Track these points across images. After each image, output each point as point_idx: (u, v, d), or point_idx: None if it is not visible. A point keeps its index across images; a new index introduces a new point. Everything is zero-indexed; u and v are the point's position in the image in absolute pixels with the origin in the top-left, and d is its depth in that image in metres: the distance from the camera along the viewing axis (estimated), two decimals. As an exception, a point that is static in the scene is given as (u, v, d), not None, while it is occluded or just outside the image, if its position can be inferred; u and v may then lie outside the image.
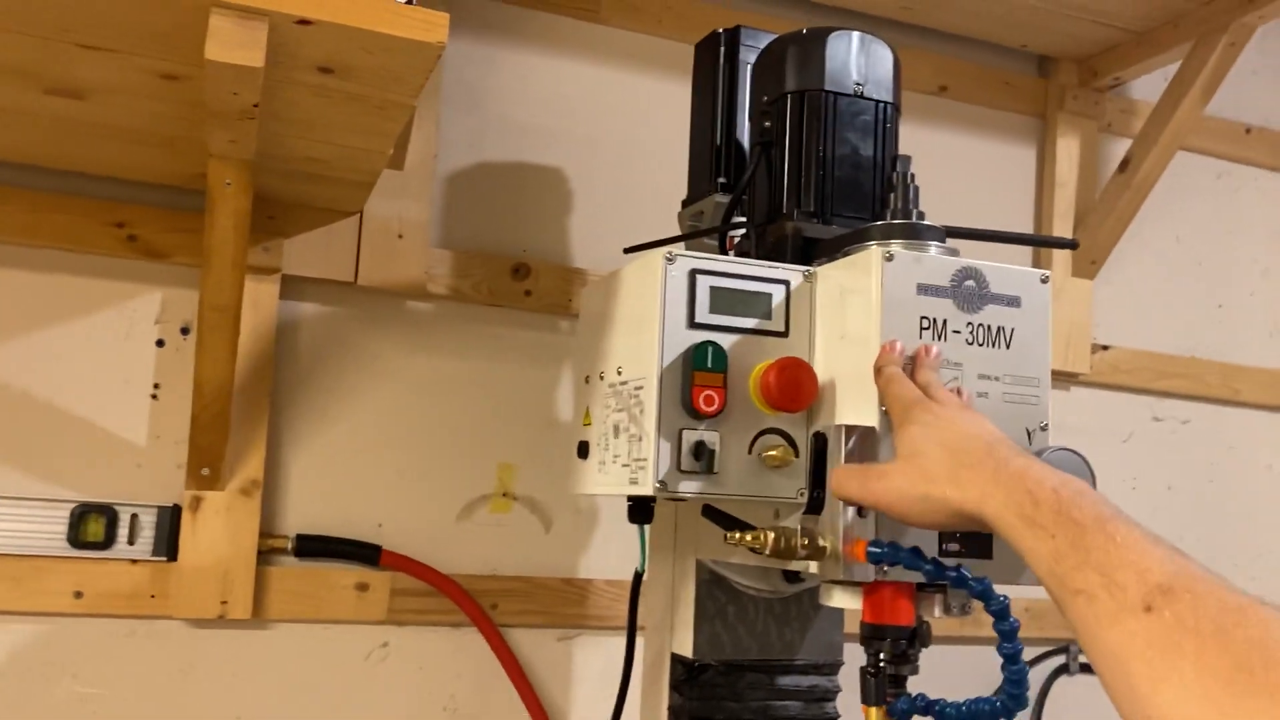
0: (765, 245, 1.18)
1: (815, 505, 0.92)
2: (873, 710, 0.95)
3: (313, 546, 1.51)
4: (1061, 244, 1.21)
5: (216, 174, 1.19)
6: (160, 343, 1.49)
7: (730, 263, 1.04)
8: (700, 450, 0.99)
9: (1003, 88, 1.97)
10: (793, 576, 1.21)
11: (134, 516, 1.44)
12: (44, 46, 1.04)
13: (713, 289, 1.02)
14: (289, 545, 1.50)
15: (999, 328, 0.99)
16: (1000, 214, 1.97)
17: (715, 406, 0.99)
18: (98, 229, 1.44)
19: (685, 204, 1.40)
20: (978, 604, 0.91)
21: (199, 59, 0.95)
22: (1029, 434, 0.99)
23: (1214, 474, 2.09)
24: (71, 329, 1.45)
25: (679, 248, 1.06)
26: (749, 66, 1.31)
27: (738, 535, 0.95)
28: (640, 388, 1.02)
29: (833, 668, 1.28)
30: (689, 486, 0.99)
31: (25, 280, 1.43)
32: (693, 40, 1.44)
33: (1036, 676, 1.91)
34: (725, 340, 1.02)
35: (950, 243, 1.06)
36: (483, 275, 1.61)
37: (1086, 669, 1.93)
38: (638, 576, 1.19)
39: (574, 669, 1.64)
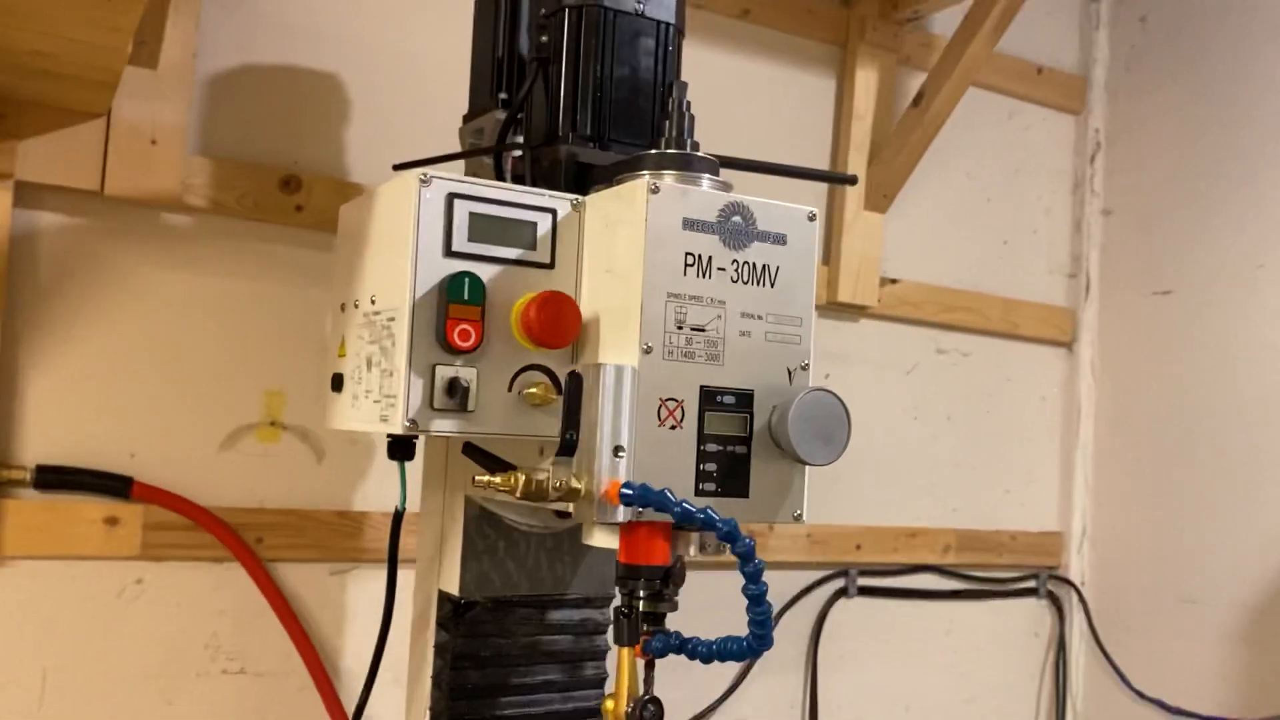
0: (540, 169, 1.12)
1: (568, 447, 0.89)
2: (624, 650, 0.93)
3: (54, 478, 1.39)
4: (841, 179, 1.19)
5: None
6: None
7: (492, 187, 0.98)
8: (454, 387, 0.93)
9: (805, 15, 1.95)
10: (564, 513, 1.18)
11: None
12: None
13: (472, 215, 0.96)
14: (27, 477, 1.37)
15: (764, 265, 0.97)
16: (798, 143, 1.96)
17: (471, 342, 0.93)
18: None
19: (466, 119, 1.33)
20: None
21: None
22: (790, 373, 0.98)
23: (992, 404, 2.17)
24: None
25: (445, 169, 1.00)
26: (536, -24, 1.24)
27: (485, 478, 0.90)
28: (392, 319, 0.96)
29: (605, 600, 1.26)
30: (442, 425, 0.94)
31: None
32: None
33: (818, 598, 1.96)
34: (485, 271, 0.96)
35: (728, 174, 1.03)
36: (248, 187, 1.50)
37: (864, 591, 2.00)
38: (398, 515, 1.14)
39: (348, 604, 1.58)
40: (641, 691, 0.97)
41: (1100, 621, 2.16)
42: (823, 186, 1.96)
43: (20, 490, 1.38)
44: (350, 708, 1.54)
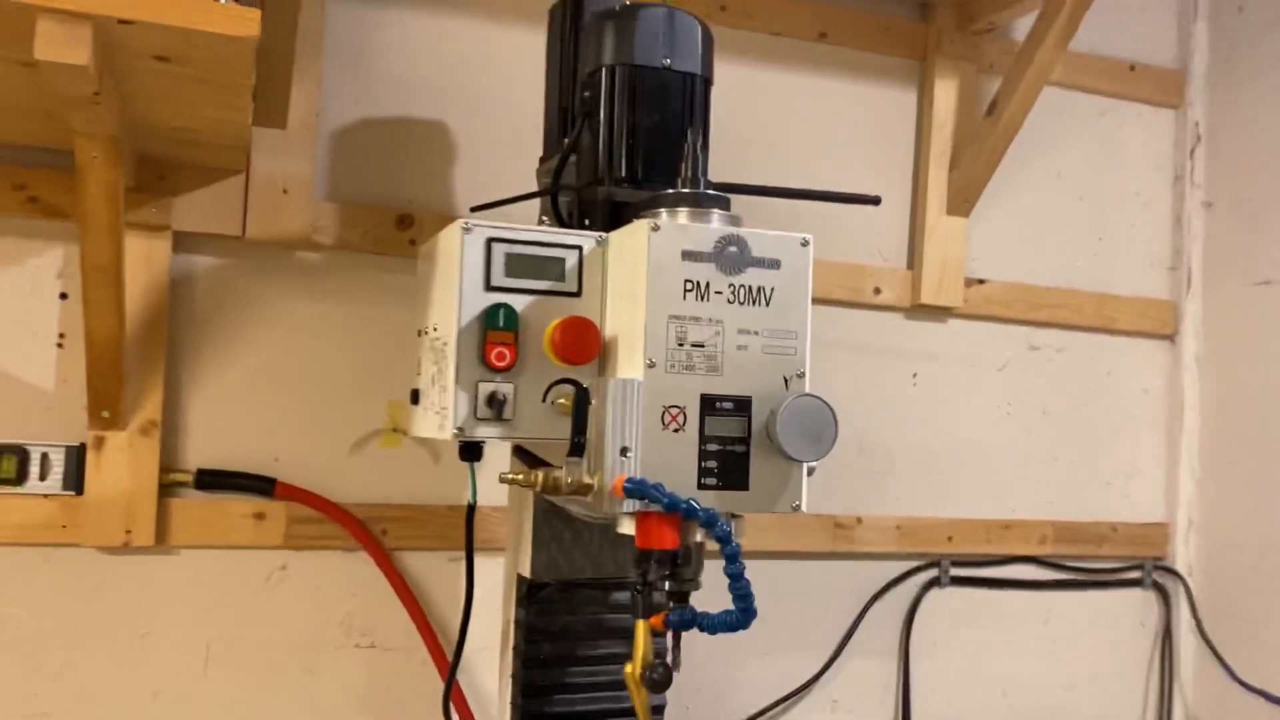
0: (585, 208, 1.29)
1: (578, 449, 1.05)
2: (640, 622, 1.09)
3: (211, 480, 1.65)
4: (863, 200, 1.30)
5: (83, 148, 1.30)
6: (63, 295, 1.61)
7: (525, 230, 1.16)
8: (493, 400, 1.12)
9: (883, 32, 2.05)
10: (616, 506, 1.34)
11: (44, 455, 1.58)
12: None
13: (508, 255, 1.14)
14: (190, 479, 1.64)
15: (759, 288, 1.11)
16: (880, 156, 2.07)
17: (507, 362, 1.11)
18: (1, 192, 1.56)
19: (541, 160, 1.51)
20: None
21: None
22: (786, 380, 1.12)
23: (1091, 398, 2.21)
24: (-21, 285, 1.58)
25: (493, 214, 1.18)
26: (595, 31, 1.41)
27: (510, 475, 1.08)
28: (445, 344, 1.15)
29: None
30: (485, 431, 1.12)
31: (-67, 241, 1.56)
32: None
33: (910, 587, 2.06)
34: (521, 301, 1.14)
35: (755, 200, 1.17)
36: (369, 225, 1.73)
37: (957, 581, 2.08)
38: (470, 508, 1.33)
39: (461, 586, 1.78)
40: (670, 659, 1.13)
41: (1206, 612, 2.17)
42: (906, 193, 2.06)
43: (185, 490, 1.64)
44: (465, 680, 1.75)
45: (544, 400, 1.14)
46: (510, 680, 1.40)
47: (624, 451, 1.05)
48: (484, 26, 1.81)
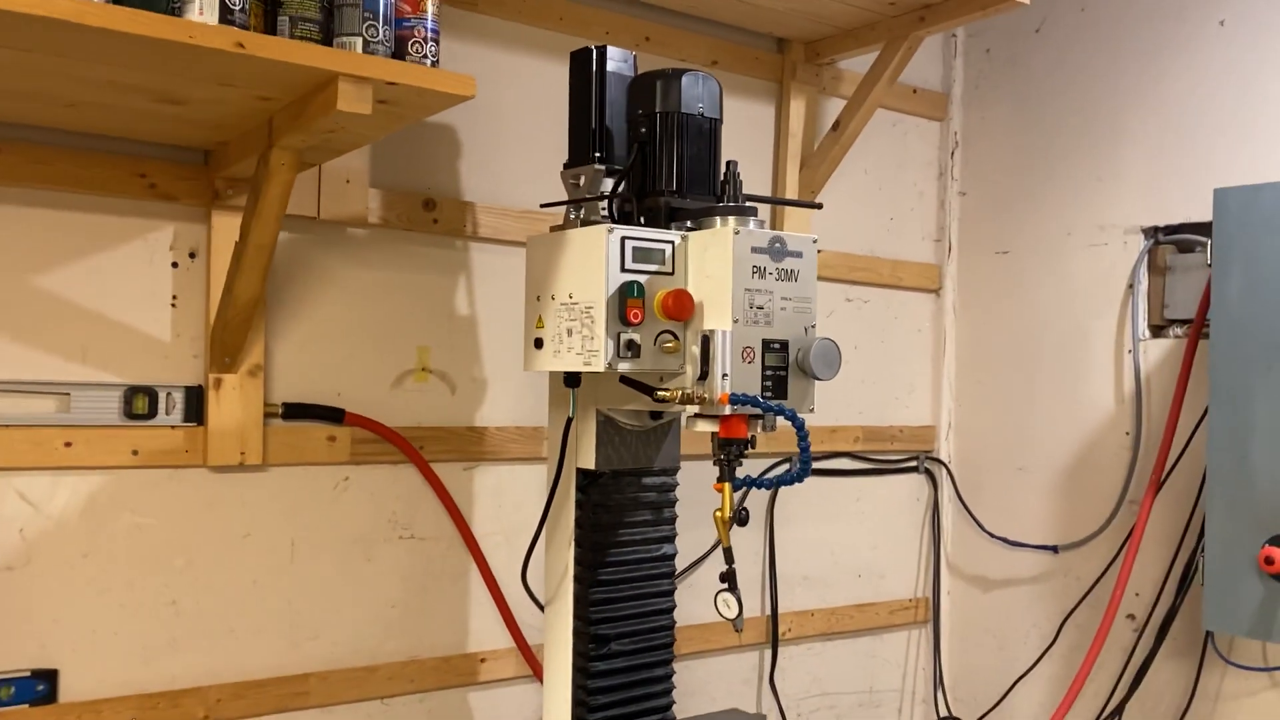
0: (641, 210, 1.85)
1: (703, 375, 1.65)
2: (726, 485, 1.71)
3: (295, 410, 2.08)
4: (809, 205, 1.96)
5: (277, 157, 1.71)
6: (175, 265, 1.98)
7: (644, 231, 1.72)
8: (630, 345, 1.68)
9: (753, 61, 2.70)
10: (657, 415, 1.94)
11: (168, 394, 1.96)
12: (192, 85, 1.54)
13: (634, 248, 1.70)
14: (279, 410, 2.06)
15: (791, 269, 1.74)
16: (752, 157, 2.73)
17: (639, 319, 1.68)
18: (125, 178, 1.91)
19: (567, 166, 2.04)
20: (779, 424, 1.68)
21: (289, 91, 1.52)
22: (805, 329, 1.75)
23: (885, 336, 3.01)
24: (113, 255, 1.92)
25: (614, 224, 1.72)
26: (610, 74, 1.94)
27: (662, 393, 1.66)
28: (591, 307, 1.70)
29: (673, 471, 2.03)
30: (623, 365, 1.69)
31: (75, 220, 1.88)
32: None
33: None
34: (642, 278, 1.70)
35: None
36: (403, 208, 2.19)
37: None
38: (569, 421, 1.88)
39: (474, 489, 2.31)
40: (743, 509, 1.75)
41: (962, 488, 3.04)
42: (768, 185, 2.74)
43: (275, 420, 2.06)
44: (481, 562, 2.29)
45: (654, 344, 1.72)
46: (573, 543, 1.96)
47: (724, 377, 1.66)
48: (492, 51, 2.30)
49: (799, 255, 1.75)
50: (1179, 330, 2.62)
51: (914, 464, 3.06)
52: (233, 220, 1.99)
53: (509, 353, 2.34)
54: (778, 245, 1.73)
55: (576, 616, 1.96)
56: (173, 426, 1.96)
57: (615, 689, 1.97)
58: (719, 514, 1.73)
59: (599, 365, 1.69)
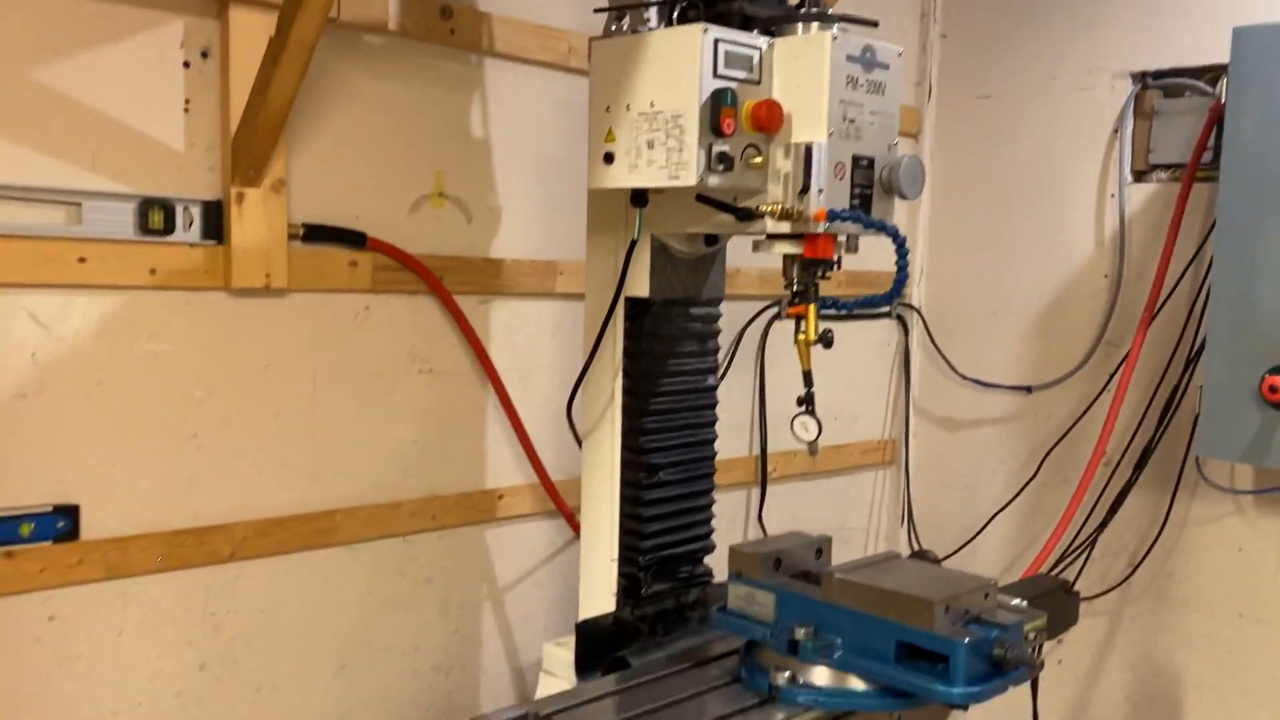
0: (711, 14, 1.74)
1: (805, 189, 1.58)
2: (810, 306, 1.67)
3: (316, 233, 1.93)
4: (866, 22, 1.87)
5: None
6: (186, 64, 1.78)
7: (735, 34, 1.62)
8: (723, 157, 1.60)
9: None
10: (711, 240, 1.88)
11: (185, 208, 1.78)
12: None
13: (726, 53, 1.60)
14: (300, 232, 1.90)
15: (879, 82, 1.67)
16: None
17: (731, 130, 1.59)
18: (131, -38, 1.69)
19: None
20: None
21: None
22: (889, 146, 1.70)
23: (864, 180, 2.98)
24: (118, 49, 1.70)
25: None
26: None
27: (762, 206, 1.59)
28: (679, 116, 1.60)
29: (717, 301, 1.98)
30: (714, 179, 1.60)
31: (75, 4, 1.66)
32: None
33: (765, 318, 2.75)
34: (730, 85, 1.61)
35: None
36: (420, 15, 2.02)
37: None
38: (632, 244, 1.79)
39: (490, 324, 2.21)
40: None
41: (935, 333, 3.09)
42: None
43: (295, 243, 1.90)
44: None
45: (740, 158, 1.64)
46: (620, 371, 1.89)
47: (820, 192, 1.60)
48: None
49: (886, 67, 1.68)
50: (1164, 175, 2.68)
51: (887, 310, 3.08)
52: (251, 16, 1.79)
53: (523, 180, 2.22)
54: (869, 55, 1.65)
55: (625, 447, 1.91)
56: (191, 244, 1.79)
57: (666, 517, 1.94)
58: (802, 337, 1.69)
59: (689, 179, 1.60)
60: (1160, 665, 2.70)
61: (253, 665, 1.93)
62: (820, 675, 1.59)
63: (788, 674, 1.59)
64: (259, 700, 1.95)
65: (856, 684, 1.57)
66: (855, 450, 3.05)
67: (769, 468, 2.80)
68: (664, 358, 1.92)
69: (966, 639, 1.46)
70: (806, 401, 1.74)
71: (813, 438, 1.75)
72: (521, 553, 2.33)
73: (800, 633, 1.59)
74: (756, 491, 2.81)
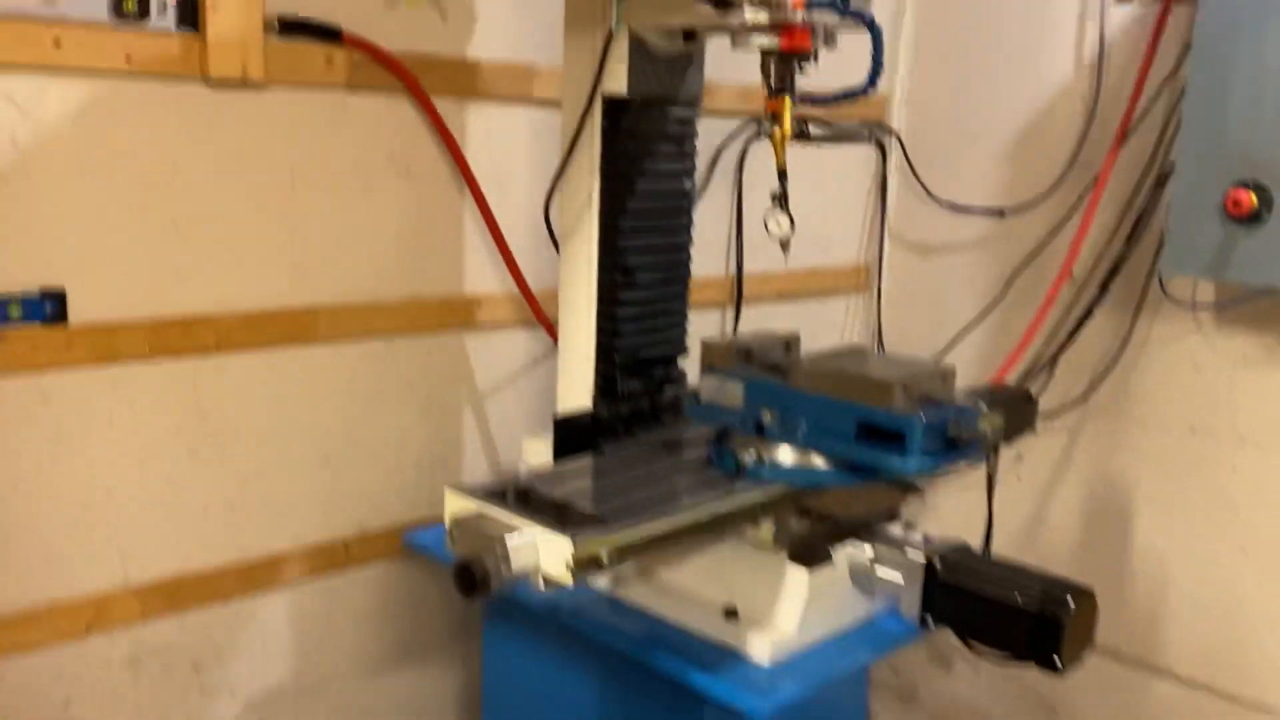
0: None
1: (782, -25, 1.58)
2: (786, 98, 1.68)
3: (291, 26, 1.91)
4: None
5: None
6: None
7: None
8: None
9: None
10: (690, 37, 1.87)
11: (157, -8, 1.76)
12: None
13: None
14: (275, 25, 1.89)
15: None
16: None
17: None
18: None
19: None
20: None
21: None
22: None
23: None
24: None
25: None
26: None
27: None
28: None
29: (695, 102, 1.98)
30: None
31: None
32: None
33: (742, 139, 2.75)
34: None
35: None
36: None
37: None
38: (609, 34, 1.79)
39: (467, 128, 2.21)
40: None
41: (912, 156, 3.10)
42: None
43: (269, 36, 1.89)
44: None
45: (718, -55, 1.63)
46: (594, 176, 1.91)
47: (802, -20, 1.59)
48: None
49: None
50: (1146, -5, 2.66)
51: (865, 133, 3.08)
52: None
53: (500, -21, 2.20)
54: None
55: (602, 249, 1.95)
56: (167, 32, 1.78)
57: (639, 318, 1.99)
58: (778, 132, 1.71)
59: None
60: (1114, 480, 2.81)
61: (239, 454, 2.00)
62: (784, 454, 1.67)
63: (754, 453, 1.66)
64: (246, 489, 2.02)
65: (818, 461, 1.65)
66: (829, 274, 3.10)
67: (745, 290, 2.85)
68: (641, 158, 1.94)
69: (922, 415, 1.53)
70: (780, 198, 1.78)
71: (784, 234, 1.78)
72: (501, 361, 2.38)
73: (766, 416, 1.66)
74: (732, 312, 2.86)
